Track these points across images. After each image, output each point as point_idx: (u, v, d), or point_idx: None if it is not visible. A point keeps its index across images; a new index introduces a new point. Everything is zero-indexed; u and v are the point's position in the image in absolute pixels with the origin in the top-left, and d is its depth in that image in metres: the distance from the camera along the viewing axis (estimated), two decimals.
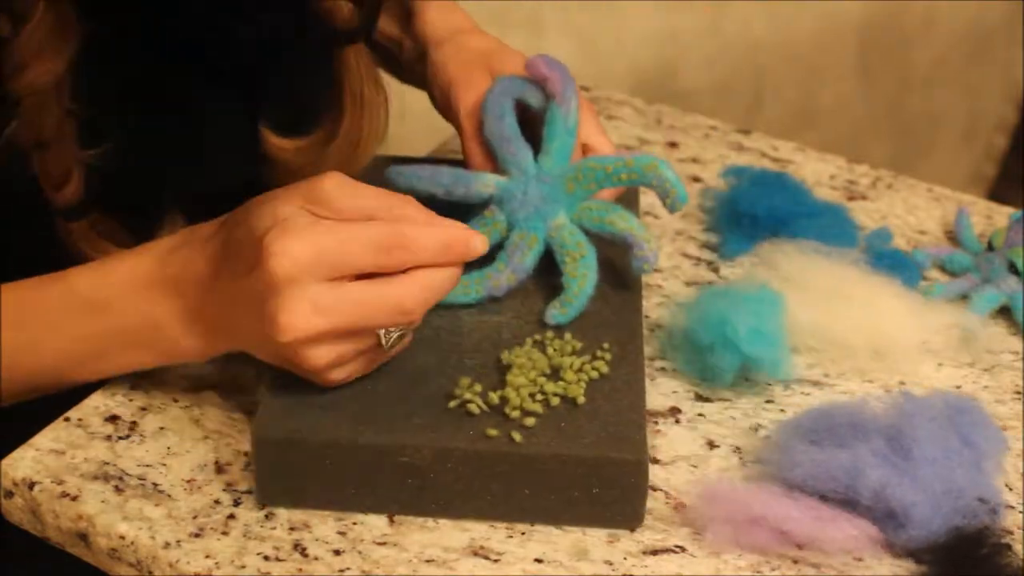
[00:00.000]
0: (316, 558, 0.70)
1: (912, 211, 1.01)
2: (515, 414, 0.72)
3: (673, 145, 1.09)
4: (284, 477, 0.71)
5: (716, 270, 0.93)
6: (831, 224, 0.94)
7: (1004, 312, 0.90)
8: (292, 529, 0.72)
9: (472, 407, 0.72)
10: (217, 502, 0.73)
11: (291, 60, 0.87)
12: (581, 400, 0.73)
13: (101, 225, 0.79)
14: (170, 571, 0.70)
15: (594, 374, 0.75)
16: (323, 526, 0.72)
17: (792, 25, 1.93)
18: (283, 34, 0.85)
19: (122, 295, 0.73)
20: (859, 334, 0.84)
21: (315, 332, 0.68)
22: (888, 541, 0.71)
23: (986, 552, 0.70)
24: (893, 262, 0.91)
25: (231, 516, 0.72)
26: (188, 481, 0.74)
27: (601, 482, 0.71)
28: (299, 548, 0.70)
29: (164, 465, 0.75)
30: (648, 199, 1.00)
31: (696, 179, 1.04)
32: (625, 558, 0.71)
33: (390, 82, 0.96)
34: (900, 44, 2.10)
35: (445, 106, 0.90)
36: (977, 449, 0.74)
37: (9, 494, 0.75)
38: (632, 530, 0.72)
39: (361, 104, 0.86)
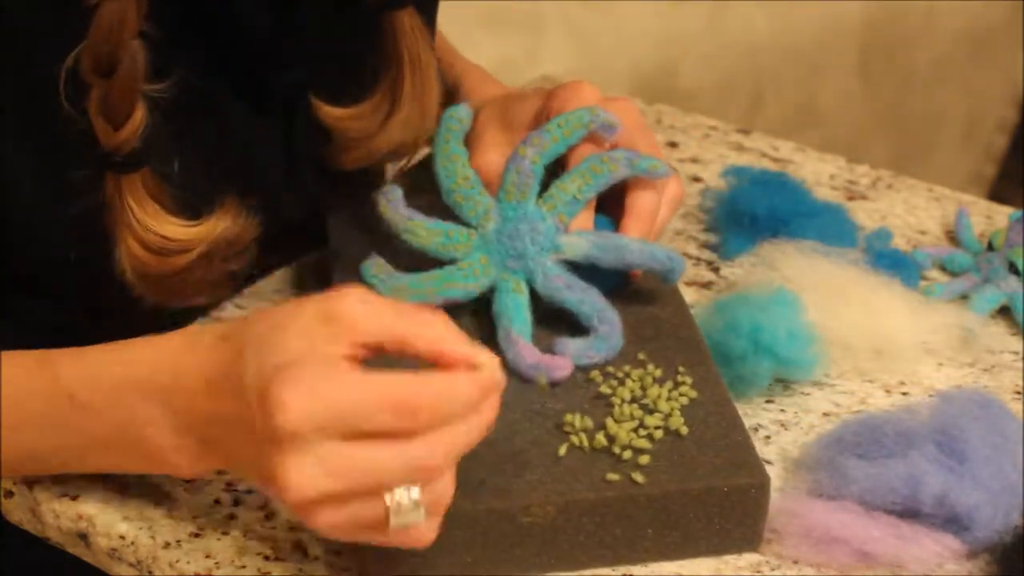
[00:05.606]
0: (316, 558, 0.70)
1: (912, 211, 1.01)
2: (627, 454, 0.70)
3: (673, 145, 1.09)
4: (399, 556, 0.66)
5: (716, 270, 0.93)
6: (831, 224, 0.94)
7: (1004, 312, 0.90)
8: (292, 529, 0.72)
9: (576, 440, 0.70)
10: (217, 502, 0.73)
11: (338, 25, 0.84)
12: (684, 431, 0.71)
13: (151, 184, 0.74)
14: (170, 571, 0.70)
15: (684, 400, 0.73)
16: None
17: (792, 25, 1.93)
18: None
19: (110, 398, 0.67)
20: (859, 334, 0.84)
21: (323, 495, 0.59)
22: (972, 552, 0.70)
23: None
24: (893, 262, 0.91)
25: (231, 516, 0.72)
26: (188, 481, 0.74)
27: (723, 510, 0.69)
28: (299, 548, 0.70)
29: None
30: None
31: (696, 179, 1.04)
32: None
33: None
34: (901, 44, 2.10)
35: None
36: (1011, 442, 0.74)
37: (9, 494, 0.75)
38: (753, 551, 0.71)
39: (420, 68, 0.84)
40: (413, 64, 0.84)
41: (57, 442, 0.70)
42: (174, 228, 0.74)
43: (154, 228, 0.74)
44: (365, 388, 0.59)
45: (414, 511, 0.60)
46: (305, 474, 0.59)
